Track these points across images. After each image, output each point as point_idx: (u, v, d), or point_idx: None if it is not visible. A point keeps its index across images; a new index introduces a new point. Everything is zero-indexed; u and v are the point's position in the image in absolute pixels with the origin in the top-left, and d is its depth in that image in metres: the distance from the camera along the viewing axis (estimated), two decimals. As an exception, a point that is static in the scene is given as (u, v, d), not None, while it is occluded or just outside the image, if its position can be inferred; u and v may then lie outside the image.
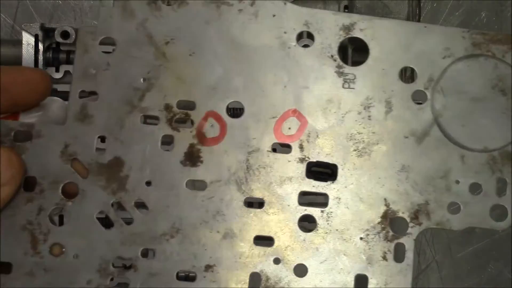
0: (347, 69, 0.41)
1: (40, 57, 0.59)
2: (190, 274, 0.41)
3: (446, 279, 0.39)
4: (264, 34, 0.41)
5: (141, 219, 0.41)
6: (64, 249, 0.41)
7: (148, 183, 0.41)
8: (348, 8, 0.43)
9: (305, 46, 0.42)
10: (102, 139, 0.41)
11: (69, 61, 0.61)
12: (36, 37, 0.58)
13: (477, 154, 0.41)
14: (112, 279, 0.41)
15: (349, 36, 0.41)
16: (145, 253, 0.41)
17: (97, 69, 0.41)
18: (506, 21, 0.43)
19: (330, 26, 0.41)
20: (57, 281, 0.41)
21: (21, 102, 0.41)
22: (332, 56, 0.41)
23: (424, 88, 0.41)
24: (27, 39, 0.58)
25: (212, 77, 0.41)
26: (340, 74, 0.41)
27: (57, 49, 0.62)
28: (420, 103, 0.41)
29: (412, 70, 0.41)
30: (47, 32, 0.61)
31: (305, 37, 0.42)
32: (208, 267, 0.41)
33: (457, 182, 0.40)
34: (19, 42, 0.48)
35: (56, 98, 0.44)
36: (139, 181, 0.41)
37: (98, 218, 0.41)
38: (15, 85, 0.40)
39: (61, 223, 0.41)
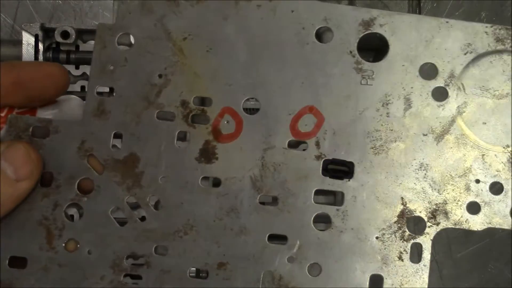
0: (366, 65, 0.40)
1: (40, 57, 0.59)
2: (202, 274, 0.41)
3: (446, 279, 0.38)
4: (283, 30, 0.41)
5: (155, 216, 0.41)
6: (78, 245, 0.41)
7: (163, 180, 0.41)
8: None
9: (324, 42, 0.41)
10: (118, 135, 0.41)
11: (69, 61, 0.61)
12: (36, 37, 0.59)
13: (498, 153, 0.39)
14: (125, 275, 0.41)
15: (369, 31, 0.40)
16: (158, 250, 0.41)
17: (115, 65, 0.41)
18: (506, 21, 0.42)
19: (349, 21, 0.40)
20: (71, 276, 0.41)
21: (38, 96, 0.41)
22: (350, 52, 0.40)
23: (444, 84, 0.40)
24: (27, 39, 0.58)
25: (229, 73, 0.41)
26: (358, 70, 0.40)
27: (57, 49, 0.62)
28: (440, 100, 0.40)
29: (433, 66, 0.40)
30: (47, 32, 0.61)
31: (324, 33, 0.41)
32: (221, 265, 0.40)
33: (477, 181, 0.39)
34: (19, 42, 0.47)
35: (73, 96, 0.44)
36: (154, 177, 0.41)
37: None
38: (33, 80, 0.40)
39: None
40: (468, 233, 0.42)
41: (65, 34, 0.60)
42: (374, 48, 0.43)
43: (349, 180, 0.40)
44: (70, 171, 0.41)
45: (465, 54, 0.40)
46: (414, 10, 0.41)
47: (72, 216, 0.42)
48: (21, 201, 0.40)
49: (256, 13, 0.41)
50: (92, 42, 0.59)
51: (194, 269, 0.41)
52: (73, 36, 0.59)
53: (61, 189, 0.41)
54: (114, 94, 0.41)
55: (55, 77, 0.41)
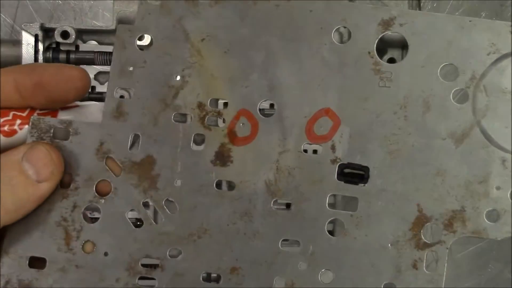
0: (385, 66, 0.39)
1: (40, 57, 0.59)
2: (213, 276, 0.41)
3: (446, 279, 0.37)
4: (300, 30, 0.40)
5: (169, 219, 0.40)
6: (95, 247, 0.41)
7: (178, 182, 0.40)
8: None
9: (342, 42, 0.40)
10: (136, 137, 0.41)
11: (69, 61, 0.61)
12: (36, 37, 0.58)
13: (521, 159, 0.38)
14: (140, 278, 0.41)
15: (388, 31, 0.39)
16: (172, 253, 0.40)
17: (134, 66, 0.41)
18: (506, 21, 0.40)
19: (368, 21, 0.39)
20: (88, 278, 0.41)
21: (59, 99, 0.41)
22: (369, 52, 0.39)
23: (465, 86, 0.38)
24: (27, 39, 0.57)
25: (246, 75, 0.40)
26: (376, 71, 0.39)
27: (57, 49, 0.62)
28: (461, 103, 0.38)
29: (454, 67, 0.38)
30: (47, 32, 0.61)
31: (342, 33, 0.40)
32: (233, 270, 0.40)
33: (498, 188, 0.37)
34: (19, 42, 0.48)
35: (94, 102, 0.44)
36: (170, 180, 0.40)
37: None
38: (54, 83, 0.40)
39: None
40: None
41: (65, 34, 0.59)
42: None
43: (364, 185, 0.39)
44: (89, 173, 0.41)
45: (488, 54, 0.38)
46: (414, 10, 0.40)
47: (90, 218, 0.42)
48: (42, 202, 0.40)
49: (274, 13, 0.40)
50: (92, 42, 0.59)
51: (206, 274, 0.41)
52: (73, 36, 0.59)
53: (80, 191, 0.41)
54: (132, 96, 0.41)
55: (76, 80, 0.41)
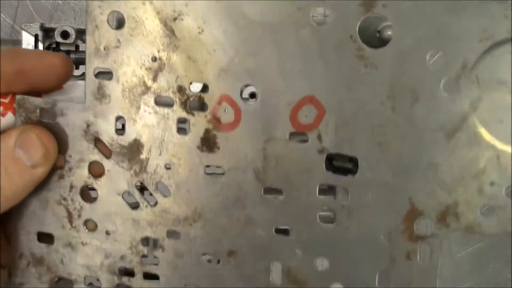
0: (368, 51, 0.36)
1: None
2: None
3: (446, 279, 0.36)
4: (277, 11, 0.36)
5: (164, 202, 0.40)
6: (97, 226, 0.42)
7: (168, 167, 0.40)
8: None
9: (321, 24, 0.36)
10: (122, 119, 0.40)
11: None
12: (36, 37, 0.57)
13: (515, 155, 0.35)
14: (143, 256, 0.42)
15: (371, 13, 0.35)
16: (171, 235, 0.41)
17: (109, 46, 0.39)
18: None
19: (349, 1, 0.35)
20: (94, 255, 0.42)
21: (40, 86, 0.40)
22: (351, 36, 0.36)
23: (456, 76, 0.35)
24: (27, 39, 0.56)
25: (223, 58, 0.38)
26: (360, 57, 0.36)
27: (57, 49, 0.61)
28: (452, 94, 0.35)
29: (443, 55, 0.35)
30: (47, 32, 0.60)
31: (322, 14, 0.36)
32: (231, 253, 0.40)
33: (492, 183, 0.35)
34: (19, 42, 0.46)
35: (79, 81, 0.42)
36: (159, 164, 0.40)
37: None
38: (35, 70, 0.39)
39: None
40: (468, 233, 0.39)
41: (65, 34, 0.59)
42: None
43: (353, 176, 0.38)
44: (80, 154, 0.40)
45: (480, 41, 0.34)
46: None
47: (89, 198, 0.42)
48: (38, 184, 0.40)
49: (249, -6, 0.37)
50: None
51: (207, 256, 0.41)
52: (73, 36, 0.59)
53: (74, 172, 0.41)
54: (112, 78, 0.39)
55: (57, 67, 0.40)
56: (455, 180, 0.36)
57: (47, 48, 0.60)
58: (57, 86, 0.41)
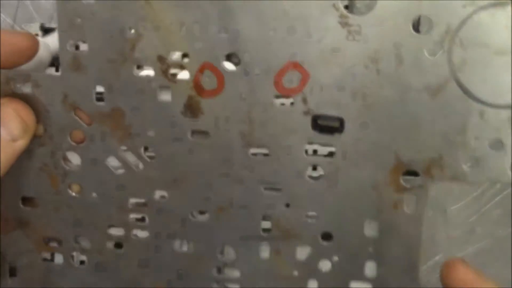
0: (352, 19, 0.36)
1: None
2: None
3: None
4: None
5: (149, 166, 0.41)
6: (82, 189, 0.42)
7: (152, 132, 0.40)
8: (348, 8, 0.36)
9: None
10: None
11: None
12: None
13: (498, 110, 0.36)
14: (131, 216, 0.42)
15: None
16: (158, 195, 0.42)
17: (82, 18, 0.38)
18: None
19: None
20: (81, 216, 0.42)
21: (5, 64, 0.39)
22: (333, 4, 0.36)
23: (440, 40, 0.35)
24: None
25: (204, 25, 0.37)
26: (343, 24, 0.36)
27: None
28: (435, 57, 0.36)
29: (427, 19, 0.35)
30: (47, 32, 0.55)
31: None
32: (221, 209, 0.41)
33: (476, 138, 0.37)
34: None
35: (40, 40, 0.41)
36: (143, 130, 0.40)
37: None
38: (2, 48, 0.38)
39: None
40: (468, 233, 0.40)
41: None
42: None
43: (340, 135, 0.38)
44: (60, 124, 0.40)
45: (464, 6, 0.35)
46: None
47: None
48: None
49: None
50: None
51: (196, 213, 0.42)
52: None
53: (55, 139, 0.40)
54: (87, 49, 0.38)
55: (20, 47, 0.39)
56: (439, 136, 0.38)
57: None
58: (23, 63, 0.40)
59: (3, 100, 0.39)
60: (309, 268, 0.42)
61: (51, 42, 0.45)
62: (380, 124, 0.38)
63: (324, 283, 0.42)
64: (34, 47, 0.39)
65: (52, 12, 0.45)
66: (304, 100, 0.38)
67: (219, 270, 0.43)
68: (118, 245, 0.43)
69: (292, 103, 0.38)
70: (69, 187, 0.42)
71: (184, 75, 0.39)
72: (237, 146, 0.40)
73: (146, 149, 0.41)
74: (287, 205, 0.41)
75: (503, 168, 0.37)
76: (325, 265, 0.42)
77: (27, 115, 0.40)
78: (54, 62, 0.45)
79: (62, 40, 0.38)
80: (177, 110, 0.39)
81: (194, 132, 0.40)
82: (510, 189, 0.38)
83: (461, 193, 0.47)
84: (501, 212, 0.43)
